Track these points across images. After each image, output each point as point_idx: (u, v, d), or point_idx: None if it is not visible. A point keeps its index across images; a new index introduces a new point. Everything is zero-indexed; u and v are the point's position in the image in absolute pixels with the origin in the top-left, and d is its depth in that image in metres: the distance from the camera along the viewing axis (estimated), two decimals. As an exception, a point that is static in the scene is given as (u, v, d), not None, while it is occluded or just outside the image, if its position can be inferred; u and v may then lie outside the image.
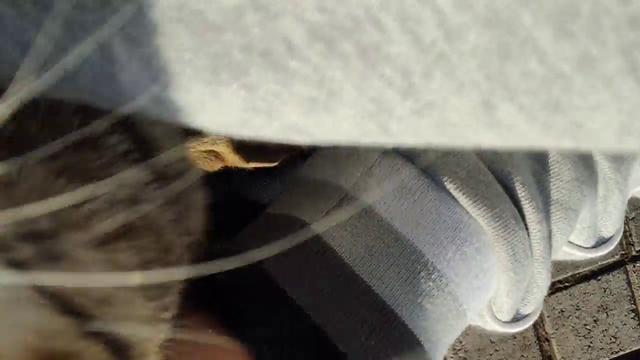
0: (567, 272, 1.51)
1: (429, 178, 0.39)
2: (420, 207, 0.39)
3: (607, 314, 1.51)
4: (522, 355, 1.49)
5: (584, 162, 0.44)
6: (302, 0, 0.19)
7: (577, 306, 1.51)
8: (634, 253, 1.53)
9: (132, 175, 0.28)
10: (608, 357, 1.50)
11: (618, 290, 1.51)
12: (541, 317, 1.50)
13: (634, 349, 1.50)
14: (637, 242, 1.53)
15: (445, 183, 0.39)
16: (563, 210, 0.43)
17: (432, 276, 0.38)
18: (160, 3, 0.19)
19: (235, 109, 0.21)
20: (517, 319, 0.46)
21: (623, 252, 1.52)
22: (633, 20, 0.16)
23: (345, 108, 0.21)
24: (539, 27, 0.17)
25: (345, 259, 0.37)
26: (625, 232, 1.52)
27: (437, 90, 0.20)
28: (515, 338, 1.49)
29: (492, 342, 1.48)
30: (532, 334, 1.50)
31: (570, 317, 1.51)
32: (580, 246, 0.49)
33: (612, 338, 1.50)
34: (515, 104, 0.19)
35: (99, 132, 0.28)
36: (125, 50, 0.20)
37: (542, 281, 0.44)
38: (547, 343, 1.50)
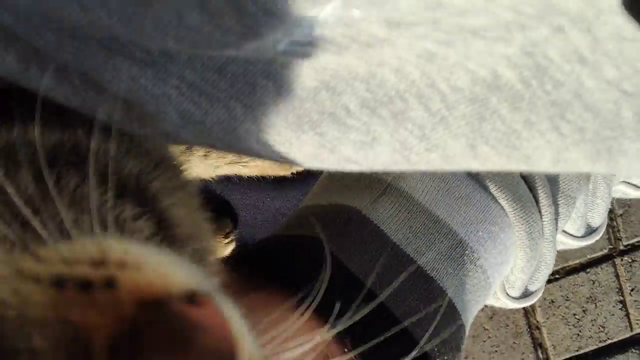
0: (557, 265, 1.56)
1: None
2: (454, 194, 0.45)
3: (596, 305, 1.56)
4: (514, 342, 1.55)
5: None
6: (357, 85, 0.32)
7: (567, 297, 1.57)
8: (621, 247, 1.58)
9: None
10: (596, 345, 1.56)
11: (606, 282, 1.57)
12: (532, 306, 1.56)
13: (620, 338, 1.56)
14: (625, 237, 1.58)
15: (475, 173, 0.46)
16: (565, 197, 0.49)
17: (466, 251, 0.44)
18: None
19: (310, 147, 0.34)
20: (525, 295, 0.53)
21: (611, 247, 1.58)
22: (554, 103, 0.30)
23: (382, 147, 0.34)
24: (501, 104, 0.31)
25: (393, 238, 0.43)
26: (613, 227, 1.58)
27: (440, 137, 0.33)
28: (507, 326, 1.55)
29: (485, 329, 1.54)
30: (524, 322, 1.56)
31: (561, 307, 1.56)
32: (572, 235, 0.56)
33: (600, 327, 1.56)
34: (489, 146, 0.33)
35: (129, 216, 0.32)
36: (247, 114, 0.33)
37: (550, 259, 0.51)
38: (538, 331, 1.56)
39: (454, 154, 0.34)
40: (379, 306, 0.40)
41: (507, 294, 0.52)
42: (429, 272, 0.43)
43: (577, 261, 1.58)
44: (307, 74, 0.32)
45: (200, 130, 0.34)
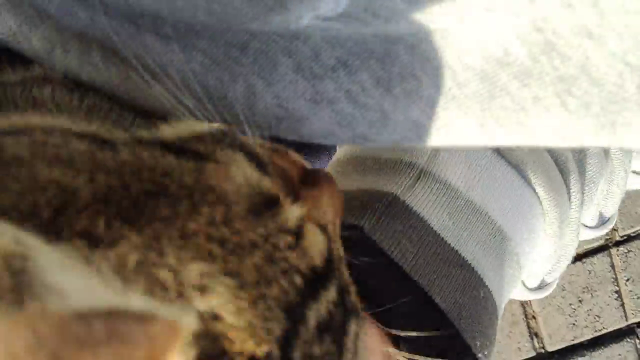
0: (554, 255, 1.57)
1: (496, 152, 0.44)
2: (489, 178, 0.44)
3: (592, 295, 1.57)
4: (510, 331, 1.56)
5: None
6: (372, 63, 0.32)
7: (563, 287, 1.58)
8: (617, 238, 1.59)
9: None
10: (591, 334, 1.57)
11: (602, 272, 1.58)
12: (529, 296, 1.56)
13: (615, 327, 1.57)
14: (621, 227, 1.59)
15: (511, 157, 0.44)
16: (589, 183, 0.49)
17: (504, 240, 0.43)
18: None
19: (326, 124, 0.35)
20: (540, 286, 0.52)
21: (607, 237, 1.59)
22: (561, 78, 0.30)
23: (394, 124, 0.35)
24: (510, 81, 0.31)
25: (434, 227, 0.41)
26: (610, 217, 1.59)
27: (450, 116, 0.34)
28: (504, 315, 1.55)
29: (483, 318, 1.54)
30: (520, 311, 1.57)
31: (556, 297, 1.57)
32: (585, 225, 0.55)
33: (596, 317, 1.57)
34: (498, 124, 0.33)
35: None
36: (267, 90, 0.34)
37: (572, 250, 0.49)
38: (534, 320, 1.57)
39: (463, 132, 0.34)
40: (424, 299, 0.39)
41: (524, 284, 0.51)
42: (469, 262, 0.41)
43: (574, 251, 1.58)
44: (326, 51, 0.32)
45: (222, 106, 0.35)
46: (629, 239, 1.59)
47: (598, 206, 0.54)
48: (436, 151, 0.44)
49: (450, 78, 0.32)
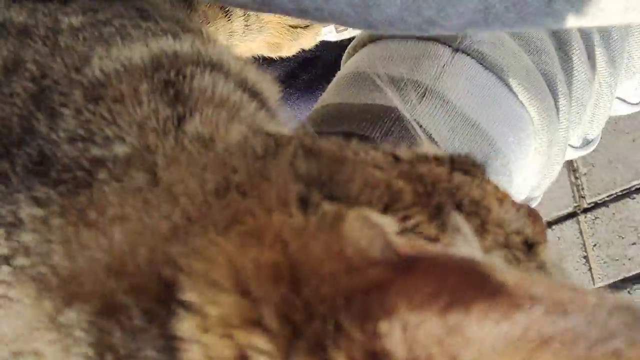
0: (524, 223, 1.60)
1: (495, 75, 0.46)
2: (489, 99, 0.46)
3: (561, 260, 1.61)
4: (484, 296, 1.58)
5: (592, 65, 0.52)
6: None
7: (534, 253, 1.61)
8: (585, 205, 1.63)
9: None
10: (561, 298, 1.61)
11: (571, 238, 1.62)
12: (500, 262, 1.59)
13: (584, 291, 1.61)
14: (589, 195, 1.63)
15: (508, 79, 0.46)
16: (577, 106, 0.50)
17: (499, 156, 0.45)
18: None
19: (394, 10, 0.35)
20: (526, 200, 0.53)
21: (576, 204, 1.63)
22: None
23: (463, 6, 0.35)
24: None
25: (436, 139, 0.43)
26: (577, 185, 1.62)
27: None
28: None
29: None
30: (493, 277, 1.59)
31: (527, 263, 1.60)
32: (571, 145, 0.57)
33: (565, 281, 1.60)
34: (566, 1, 0.33)
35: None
36: None
37: (558, 167, 0.51)
38: (506, 285, 1.60)
39: (530, 12, 0.35)
40: None
41: None
42: None
43: (543, 219, 1.61)
44: None
45: None
46: (595, 206, 1.63)
47: (585, 127, 0.55)
48: (441, 71, 0.46)
49: None
